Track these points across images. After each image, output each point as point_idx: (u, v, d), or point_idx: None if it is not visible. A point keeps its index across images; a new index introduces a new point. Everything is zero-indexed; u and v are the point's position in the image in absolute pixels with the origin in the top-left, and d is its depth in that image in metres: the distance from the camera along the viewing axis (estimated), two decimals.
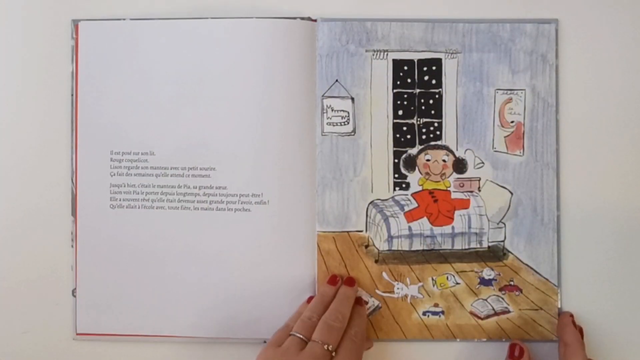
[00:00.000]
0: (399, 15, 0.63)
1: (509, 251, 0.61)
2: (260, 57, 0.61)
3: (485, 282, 0.61)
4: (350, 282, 0.60)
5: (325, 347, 0.53)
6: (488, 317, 0.61)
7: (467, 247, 0.62)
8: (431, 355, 0.62)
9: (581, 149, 0.62)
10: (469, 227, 0.62)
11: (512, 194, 0.62)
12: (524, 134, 0.62)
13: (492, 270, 0.61)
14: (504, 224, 0.62)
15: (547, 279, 0.61)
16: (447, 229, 0.62)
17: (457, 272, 0.61)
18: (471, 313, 0.61)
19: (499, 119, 0.62)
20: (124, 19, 0.63)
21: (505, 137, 0.62)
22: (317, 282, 0.61)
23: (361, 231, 0.62)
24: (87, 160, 0.62)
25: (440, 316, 0.61)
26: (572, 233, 0.62)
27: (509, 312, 0.61)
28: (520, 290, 0.61)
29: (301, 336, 0.54)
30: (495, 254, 0.62)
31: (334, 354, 0.53)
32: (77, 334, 0.62)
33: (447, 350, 0.62)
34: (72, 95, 0.63)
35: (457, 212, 0.62)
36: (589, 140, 0.62)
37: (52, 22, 0.63)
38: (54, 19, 0.63)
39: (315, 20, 0.62)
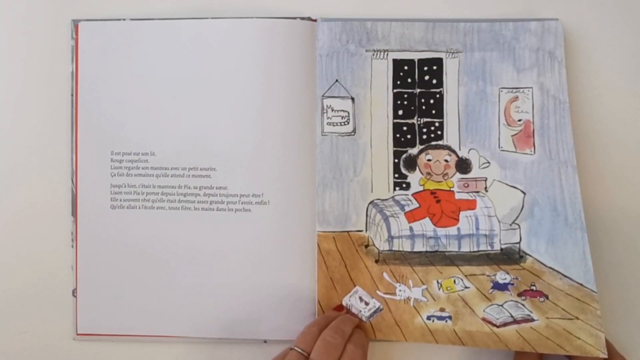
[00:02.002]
0: (399, 15, 0.63)
1: (526, 253, 0.59)
2: (260, 57, 0.61)
3: (500, 287, 0.59)
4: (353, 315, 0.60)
5: None
6: (505, 324, 0.58)
7: (475, 249, 0.60)
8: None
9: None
10: (477, 229, 0.61)
11: (524, 193, 0.60)
12: (533, 132, 0.61)
13: (508, 274, 0.59)
14: (519, 225, 0.60)
15: (580, 284, 0.58)
16: (452, 230, 0.61)
17: (465, 276, 0.60)
18: (484, 319, 0.58)
19: (505, 118, 0.61)
20: (124, 19, 0.63)
21: (512, 135, 0.61)
22: (317, 282, 0.60)
23: (361, 231, 0.61)
24: (88, 161, 0.62)
25: (446, 321, 0.58)
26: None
27: (532, 320, 0.58)
28: (546, 297, 0.58)
29: (300, 350, 0.53)
30: (509, 257, 0.60)
31: None
32: (77, 334, 0.62)
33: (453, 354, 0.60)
34: (72, 95, 0.63)
35: (462, 213, 0.61)
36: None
37: (52, 22, 0.64)
38: (54, 19, 0.64)
39: (315, 20, 0.62)
